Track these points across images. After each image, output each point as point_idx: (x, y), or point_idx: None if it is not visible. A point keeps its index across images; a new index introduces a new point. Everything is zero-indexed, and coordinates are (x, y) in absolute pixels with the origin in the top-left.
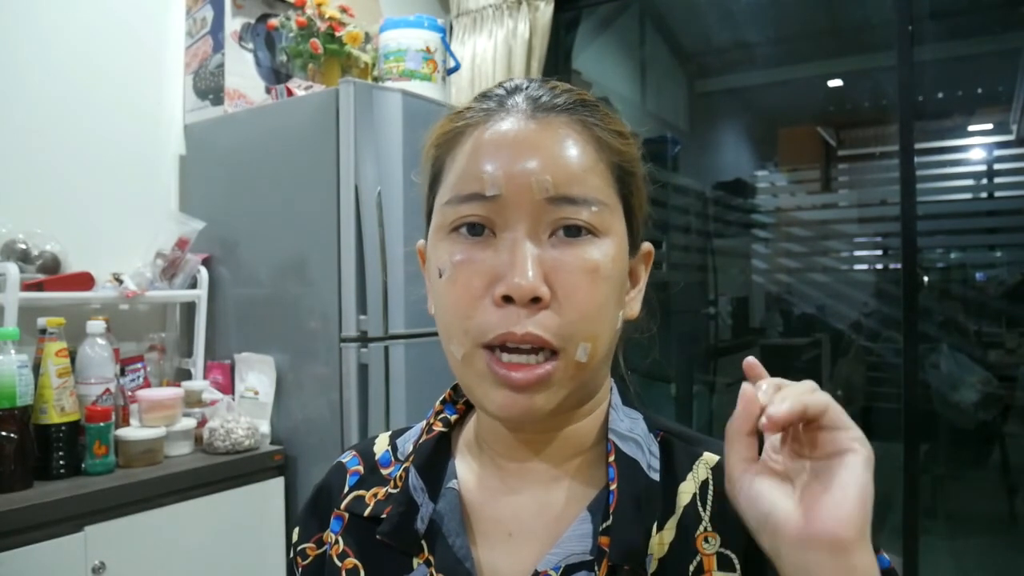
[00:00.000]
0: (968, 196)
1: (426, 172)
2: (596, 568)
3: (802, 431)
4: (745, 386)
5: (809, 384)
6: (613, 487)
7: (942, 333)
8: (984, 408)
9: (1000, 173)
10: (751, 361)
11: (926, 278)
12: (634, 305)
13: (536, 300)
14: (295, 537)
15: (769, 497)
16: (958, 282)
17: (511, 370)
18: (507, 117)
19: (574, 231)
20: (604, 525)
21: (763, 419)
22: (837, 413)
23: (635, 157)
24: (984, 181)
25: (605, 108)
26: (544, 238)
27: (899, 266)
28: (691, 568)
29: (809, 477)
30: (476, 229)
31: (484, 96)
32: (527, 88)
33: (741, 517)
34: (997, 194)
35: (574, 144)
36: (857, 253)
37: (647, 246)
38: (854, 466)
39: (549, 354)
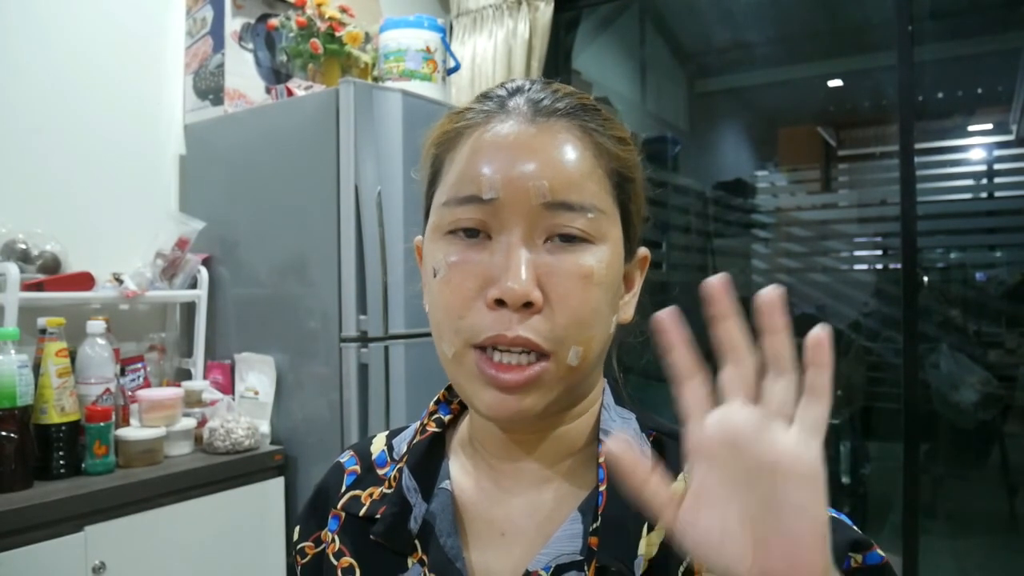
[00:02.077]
0: (968, 196)
1: (425, 170)
2: (586, 568)
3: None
4: (615, 452)
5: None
6: (602, 488)
7: (942, 333)
8: (984, 408)
9: (1000, 173)
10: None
11: (926, 278)
12: (628, 310)
13: (528, 305)
14: (295, 536)
15: (714, 537)
16: (958, 282)
17: (500, 371)
18: (507, 120)
19: (569, 237)
20: (594, 526)
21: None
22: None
23: (635, 163)
24: (984, 181)
25: (607, 112)
26: (539, 243)
27: (899, 266)
28: (681, 570)
29: (756, 506)
30: (472, 232)
31: (485, 97)
32: (528, 90)
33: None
34: (997, 194)
35: (573, 149)
36: (857, 253)
37: (643, 251)
38: (804, 488)
39: (540, 355)
